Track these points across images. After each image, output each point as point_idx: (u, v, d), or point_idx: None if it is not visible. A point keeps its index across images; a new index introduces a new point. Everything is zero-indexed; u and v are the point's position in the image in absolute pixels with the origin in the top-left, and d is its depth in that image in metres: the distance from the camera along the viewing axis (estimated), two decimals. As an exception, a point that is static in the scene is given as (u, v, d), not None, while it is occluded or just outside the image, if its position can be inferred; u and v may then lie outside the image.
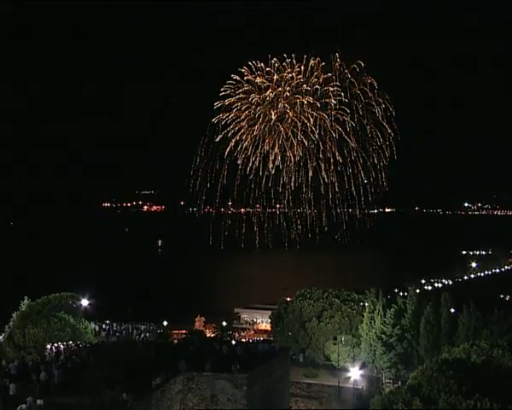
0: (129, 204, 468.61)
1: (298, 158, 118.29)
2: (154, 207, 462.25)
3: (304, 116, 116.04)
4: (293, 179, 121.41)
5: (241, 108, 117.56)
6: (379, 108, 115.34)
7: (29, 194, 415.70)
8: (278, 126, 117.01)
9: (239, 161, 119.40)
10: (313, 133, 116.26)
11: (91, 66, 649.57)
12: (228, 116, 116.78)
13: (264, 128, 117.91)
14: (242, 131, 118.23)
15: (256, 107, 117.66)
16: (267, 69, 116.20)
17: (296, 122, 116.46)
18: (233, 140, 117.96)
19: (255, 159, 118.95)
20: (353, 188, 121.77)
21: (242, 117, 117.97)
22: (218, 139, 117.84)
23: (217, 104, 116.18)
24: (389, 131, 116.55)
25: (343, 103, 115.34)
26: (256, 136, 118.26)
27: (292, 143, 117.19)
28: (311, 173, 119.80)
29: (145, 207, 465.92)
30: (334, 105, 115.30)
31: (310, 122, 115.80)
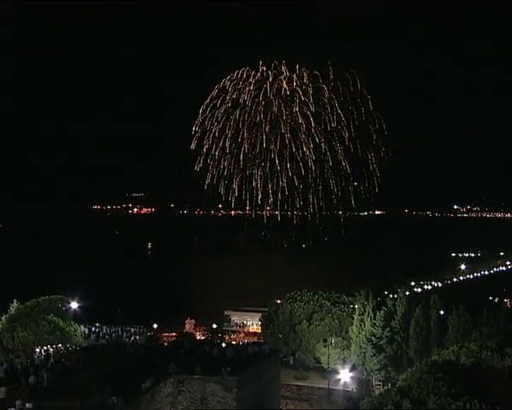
0: (119, 206, 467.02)
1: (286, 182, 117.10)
2: (144, 210, 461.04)
3: (296, 126, 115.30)
4: (278, 211, 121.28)
5: (224, 126, 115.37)
6: (371, 120, 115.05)
7: (29, 194, 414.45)
8: (269, 143, 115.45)
9: (221, 191, 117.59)
10: (308, 149, 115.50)
11: (91, 66, 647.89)
12: (209, 135, 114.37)
13: (250, 151, 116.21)
14: (225, 154, 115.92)
15: (242, 124, 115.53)
16: (257, 78, 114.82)
17: (289, 137, 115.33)
18: (213, 168, 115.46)
19: (237, 187, 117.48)
20: (338, 191, 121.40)
21: (226, 140, 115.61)
22: (197, 168, 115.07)
23: (196, 127, 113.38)
24: (380, 145, 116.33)
25: (336, 115, 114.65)
26: (241, 162, 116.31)
27: (282, 167, 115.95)
28: (301, 185, 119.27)
29: (135, 209, 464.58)
30: (327, 114, 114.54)
31: (302, 134, 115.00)
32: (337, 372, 61.78)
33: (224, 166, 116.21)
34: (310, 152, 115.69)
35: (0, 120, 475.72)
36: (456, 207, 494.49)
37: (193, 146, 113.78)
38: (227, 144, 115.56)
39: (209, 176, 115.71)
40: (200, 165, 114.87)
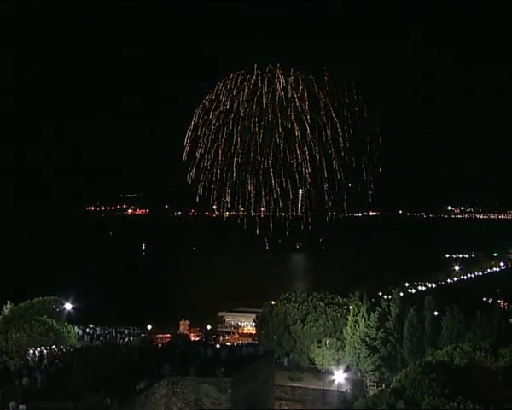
0: (113, 207, 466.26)
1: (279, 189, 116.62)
2: (139, 211, 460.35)
3: (290, 131, 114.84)
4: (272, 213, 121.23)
5: (217, 132, 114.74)
6: (366, 127, 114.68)
7: (29, 194, 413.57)
8: (263, 148, 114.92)
9: (213, 195, 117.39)
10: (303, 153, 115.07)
11: (91, 65, 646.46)
12: (202, 140, 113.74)
13: (243, 156, 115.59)
14: (218, 159, 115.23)
15: (236, 130, 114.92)
16: (252, 81, 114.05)
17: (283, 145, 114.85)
18: (206, 172, 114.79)
19: (230, 190, 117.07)
20: (331, 194, 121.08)
21: (219, 147, 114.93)
22: (189, 179, 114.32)
23: (187, 138, 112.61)
24: (374, 151, 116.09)
25: (331, 121, 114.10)
26: (234, 168, 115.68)
27: (276, 171, 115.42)
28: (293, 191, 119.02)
29: (129, 210, 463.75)
30: (322, 120, 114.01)
31: (297, 139, 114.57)
32: (331, 373, 61.83)
33: (216, 169, 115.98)
34: (304, 157, 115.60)
35: (0, 120, 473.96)
36: (450, 208, 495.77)
37: (185, 157, 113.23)
38: (220, 151, 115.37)
39: (202, 182, 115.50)
40: (193, 173, 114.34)
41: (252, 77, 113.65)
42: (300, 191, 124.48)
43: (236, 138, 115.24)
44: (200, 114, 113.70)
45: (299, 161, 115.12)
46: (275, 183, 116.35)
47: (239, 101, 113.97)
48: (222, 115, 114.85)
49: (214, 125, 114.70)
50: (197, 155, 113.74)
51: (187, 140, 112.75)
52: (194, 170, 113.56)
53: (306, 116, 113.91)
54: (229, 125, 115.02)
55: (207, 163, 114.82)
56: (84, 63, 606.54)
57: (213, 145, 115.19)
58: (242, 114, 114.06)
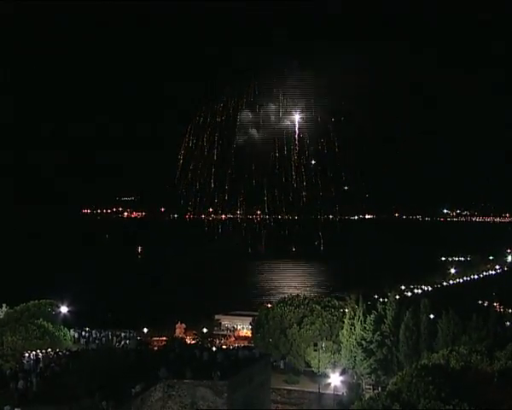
0: (109, 210, 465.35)
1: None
2: (135, 214, 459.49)
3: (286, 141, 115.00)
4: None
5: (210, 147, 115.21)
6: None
7: (30, 193, 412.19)
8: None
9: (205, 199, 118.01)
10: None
11: (91, 65, 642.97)
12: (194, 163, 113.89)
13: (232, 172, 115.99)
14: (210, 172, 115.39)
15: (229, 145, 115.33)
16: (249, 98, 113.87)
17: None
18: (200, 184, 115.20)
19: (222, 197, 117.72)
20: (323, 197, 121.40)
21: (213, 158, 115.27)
22: (183, 192, 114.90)
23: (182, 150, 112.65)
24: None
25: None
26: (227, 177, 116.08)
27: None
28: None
29: (125, 213, 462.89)
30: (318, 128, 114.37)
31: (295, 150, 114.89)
32: (327, 376, 61.79)
33: (210, 178, 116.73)
34: (300, 162, 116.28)
35: (0, 120, 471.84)
36: (445, 211, 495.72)
37: (178, 174, 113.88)
38: (214, 158, 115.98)
39: (195, 188, 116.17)
40: (188, 181, 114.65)
41: (249, 88, 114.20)
42: (297, 118, 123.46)
43: (231, 148, 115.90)
44: (195, 125, 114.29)
45: (295, 166, 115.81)
46: (267, 188, 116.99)
47: (235, 111, 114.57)
48: (218, 127, 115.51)
49: (211, 134, 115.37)
50: (191, 166, 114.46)
51: (181, 156, 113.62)
52: (188, 176, 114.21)
53: (302, 122, 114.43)
54: (225, 133, 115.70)
55: (203, 169, 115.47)
56: (84, 63, 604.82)
57: (209, 154, 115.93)
58: (238, 124, 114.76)
